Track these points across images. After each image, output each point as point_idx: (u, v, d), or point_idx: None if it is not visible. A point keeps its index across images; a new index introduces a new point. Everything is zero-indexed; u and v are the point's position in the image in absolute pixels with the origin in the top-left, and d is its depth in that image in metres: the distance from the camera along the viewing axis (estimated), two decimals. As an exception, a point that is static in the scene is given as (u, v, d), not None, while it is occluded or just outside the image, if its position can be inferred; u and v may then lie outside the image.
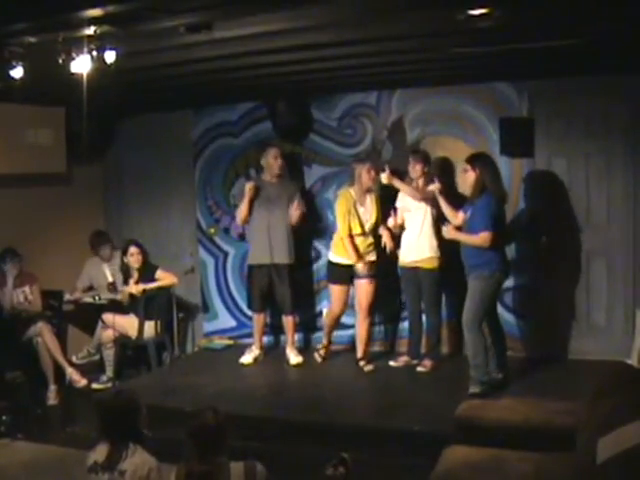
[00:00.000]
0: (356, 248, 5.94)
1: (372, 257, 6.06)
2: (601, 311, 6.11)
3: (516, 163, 6.17)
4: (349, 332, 6.52)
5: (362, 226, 5.98)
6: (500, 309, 6.17)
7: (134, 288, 6.53)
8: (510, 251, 6.10)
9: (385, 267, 6.16)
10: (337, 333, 6.49)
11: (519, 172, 6.20)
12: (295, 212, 6.32)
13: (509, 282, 6.19)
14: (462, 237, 5.35)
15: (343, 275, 6.07)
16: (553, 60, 5.26)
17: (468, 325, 5.26)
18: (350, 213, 5.95)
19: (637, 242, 5.95)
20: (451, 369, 5.83)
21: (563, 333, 6.18)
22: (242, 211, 6.41)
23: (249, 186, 6.35)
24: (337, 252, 6.09)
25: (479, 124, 6.27)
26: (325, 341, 6.42)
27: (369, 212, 6.02)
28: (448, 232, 5.44)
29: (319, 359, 6.38)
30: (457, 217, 5.51)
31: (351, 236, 5.95)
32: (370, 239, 6.05)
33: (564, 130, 6.07)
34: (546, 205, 6.16)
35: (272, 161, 6.37)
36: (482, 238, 5.14)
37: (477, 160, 5.33)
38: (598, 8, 3.80)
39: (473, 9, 3.70)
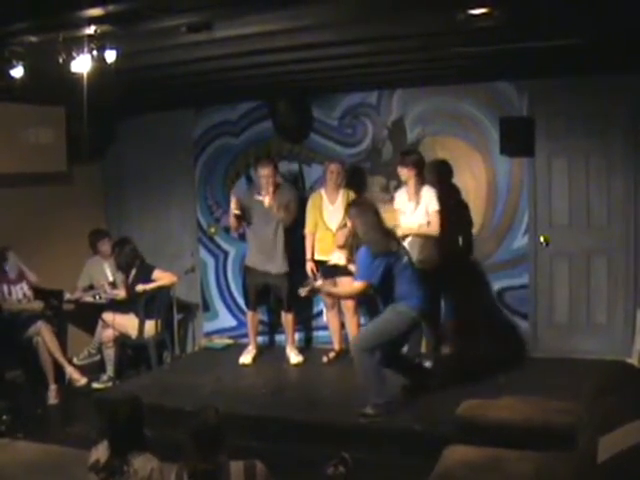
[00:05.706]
0: (313, 246, 6.22)
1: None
2: (602, 310, 6.10)
3: (516, 162, 6.18)
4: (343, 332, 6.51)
5: (327, 223, 6.19)
6: (501, 309, 6.19)
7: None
8: (512, 250, 6.16)
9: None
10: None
11: (519, 172, 6.20)
12: (277, 214, 6.20)
13: (511, 282, 6.20)
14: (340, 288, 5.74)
15: (324, 271, 6.18)
16: (553, 60, 5.25)
17: (358, 347, 5.04)
18: (316, 211, 6.22)
19: (637, 241, 5.95)
20: (451, 369, 5.82)
21: (563, 332, 6.19)
22: (231, 223, 6.38)
23: (233, 202, 6.21)
24: (317, 250, 6.25)
25: (479, 123, 6.27)
26: (337, 347, 6.45)
27: (338, 210, 6.12)
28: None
29: (325, 359, 6.41)
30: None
31: (313, 234, 6.24)
32: None
33: (564, 130, 6.07)
34: (545, 204, 6.16)
35: (260, 180, 6.24)
36: (353, 288, 5.12)
37: (351, 209, 5.09)
38: (598, 8, 3.80)
39: (473, 9, 3.71)
